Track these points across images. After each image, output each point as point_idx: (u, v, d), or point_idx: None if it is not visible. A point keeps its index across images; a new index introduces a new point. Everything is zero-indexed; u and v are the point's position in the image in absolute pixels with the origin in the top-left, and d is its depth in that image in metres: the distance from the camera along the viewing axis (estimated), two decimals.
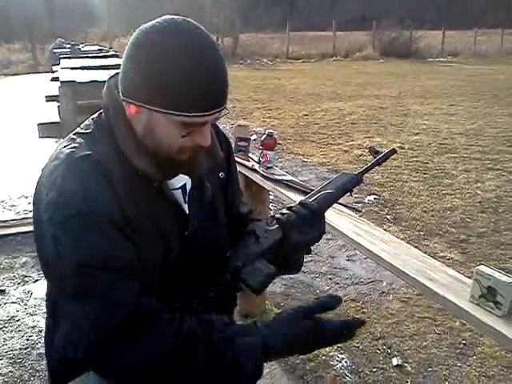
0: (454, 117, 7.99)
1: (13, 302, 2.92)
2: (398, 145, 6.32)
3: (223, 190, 1.06)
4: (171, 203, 0.92)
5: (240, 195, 1.17)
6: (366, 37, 22.52)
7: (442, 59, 20.57)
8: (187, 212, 0.95)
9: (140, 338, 0.79)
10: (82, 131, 0.90)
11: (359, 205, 4.42)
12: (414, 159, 5.80)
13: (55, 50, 9.59)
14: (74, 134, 0.90)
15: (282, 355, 0.91)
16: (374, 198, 4.62)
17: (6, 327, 2.69)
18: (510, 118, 8.04)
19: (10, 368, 2.37)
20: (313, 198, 1.04)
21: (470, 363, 2.41)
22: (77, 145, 0.86)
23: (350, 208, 1.85)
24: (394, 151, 1.19)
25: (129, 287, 0.81)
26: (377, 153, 1.18)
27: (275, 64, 18.54)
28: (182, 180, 0.95)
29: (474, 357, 2.45)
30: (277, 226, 0.98)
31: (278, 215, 0.99)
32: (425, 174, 5.32)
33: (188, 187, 0.96)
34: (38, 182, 0.86)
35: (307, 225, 0.98)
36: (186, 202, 0.95)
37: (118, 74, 0.89)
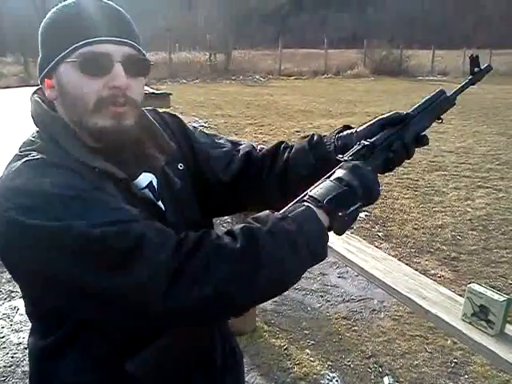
0: (444, 135, 8.07)
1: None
2: None
3: (188, 179, 1.00)
4: (145, 202, 0.87)
5: (228, 151, 1.07)
6: (356, 55, 22.81)
7: (431, 78, 20.86)
8: (163, 209, 0.91)
9: (206, 258, 0.70)
10: (28, 147, 0.83)
11: None
12: (405, 176, 5.83)
13: None
14: (19, 152, 0.82)
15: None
16: (365, 215, 4.62)
17: None
18: (499, 137, 8.14)
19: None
20: (397, 127, 0.96)
21: (461, 382, 2.39)
22: (29, 154, 0.79)
23: None
24: (490, 68, 1.10)
25: (162, 226, 0.75)
26: (476, 65, 1.06)
27: (268, 80, 18.68)
28: (146, 179, 0.91)
29: (466, 376, 2.44)
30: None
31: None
32: (415, 191, 5.34)
33: (155, 184, 0.92)
34: None
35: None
36: (157, 200, 0.91)
37: (39, 89, 0.90)
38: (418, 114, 0.97)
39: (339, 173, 0.84)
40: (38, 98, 0.88)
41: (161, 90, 11.05)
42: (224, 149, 1.06)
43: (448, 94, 1.03)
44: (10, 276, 3.42)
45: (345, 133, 0.99)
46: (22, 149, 0.83)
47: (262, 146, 1.09)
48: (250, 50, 22.50)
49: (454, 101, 1.03)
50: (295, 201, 0.83)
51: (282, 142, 1.06)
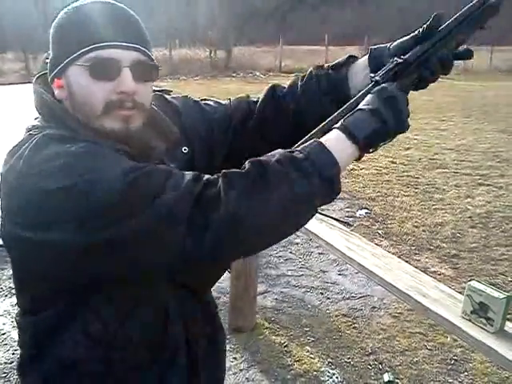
0: (445, 132, 8.07)
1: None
2: (390, 159, 6.36)
3: (195, 161, 0.99)
4: None
5: (222, 106, 1.08)
6: (357, 51, 22.78)
7: None
8: None
9: (219, 186, 0.72)
10: (39, 124, 0.85)
11: (350, 219, 4.43)
12: (405, 174, 5.83)
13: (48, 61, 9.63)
14: (32, 131, 0.83)
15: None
16: (366, 213, 4.63)
17: None
18: (499, 134, 8.13)
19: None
20: (434, 40, 0.87)
21: (461, 379, 2.40)
22: (46, 131, 0.81)
23: (341, 222, 1.85)
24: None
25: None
26: None
27: (268, 77, 18.66)
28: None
29: (466, 373, 2.44)
30: None
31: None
32: (416, 188, 5.34)
33: None
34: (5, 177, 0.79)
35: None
36: None
37: (43, 74, 0.90)
38: (458, 25, 0.87)
39: (374, 102, 0.80)
40: (42, 89, 0.88)
41: (161, 87, 11.02)
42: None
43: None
44: (10, 273, 3.44)
45: (377, 47, 0.95)
46: (31, 130, 0.83)
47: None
48: (250, 46, 22.46)
49: (498, 5, 0.87)
50: (328, 127, 0.81)
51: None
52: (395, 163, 6.21)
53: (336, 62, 1.00)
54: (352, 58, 0.99)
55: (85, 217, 0.71)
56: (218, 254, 0.74)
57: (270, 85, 1.06)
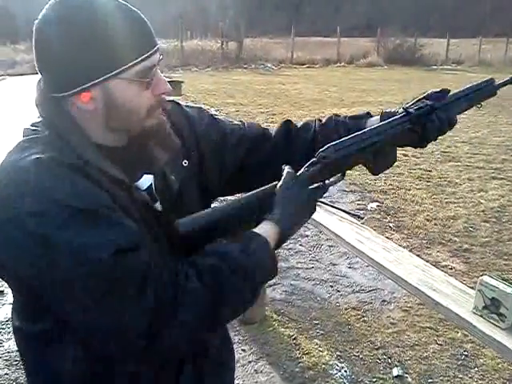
0: (458, 125, 7.81)
1: (11, 303, 2.90)
2: (401, 152, 6.29)
3: (194, 176, 1.00)
4: (143, 204, 0.87)
5: (237, 127, 1.11)
6: (370, 43, 22.52)
7: (446, 67, 20.54)
8: (160, 210, 0.92)
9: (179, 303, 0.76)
10: (33, 136, 0.81)
11: (361, 212, 4.40)
12: (417, 167, 5.78)
13: None
14: (25, 142, 0.80)
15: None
16: (377, 206, 4.59)
17: (3, 328, 2.67)
18: None
19: (6, 370, 2.35)
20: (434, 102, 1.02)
21: (471, 375, 2.38)
22: (37, 150, 0.77)
23: (351, 215, 1.83)
24: None
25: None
26: None
27: (279, 69, 18.56)
28: (148, 181, 0.91)
29: (476, 369, 2.42)
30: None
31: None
32: (428, 181, 5.29)
33: (154, 186, 0.92)
34: None
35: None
36: (155, 201, 0.92)
37: None
38: (458, 98, 1.07)
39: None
40: (52, 102, 0.83)
41: (172, 78, 11.03)
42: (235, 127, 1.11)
43: (495, 84, 1.10)
44: None
45: (388, 111, 1.07)
46: (26, 139, 0.81)
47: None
48: (262, 37, 22.33)
49: (495, 90, 1.12)
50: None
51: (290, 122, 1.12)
52: (407, 156, 6.15)
53: (354, 114, 1.11)
54: (369, 115, 1.11)
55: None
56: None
57: (283, 120, 1.13)
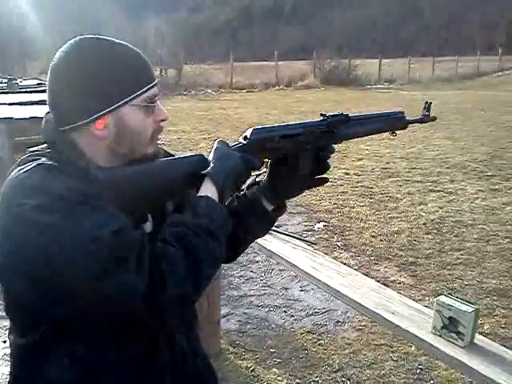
0: (395, 141, 8.28)
1: None
2: (343, 171, 6.44)
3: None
4: None
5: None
6: (307, 66, 23.25)
7: (379, 86, 21.52)
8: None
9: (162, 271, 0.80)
10: (39, 153, 0.88)
11: (309, 233, 4.43)
12: (360, 184, 5.92)
13: None
14: (30, 155, 0.88)
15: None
16: (324, 225, 4.63)
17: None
18: (446, 141, 8.45)
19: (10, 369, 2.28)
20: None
21: None
22: (41, 158, 0.85)
23: (305, 241, 1.81)
24: (434, 118, 1.24)
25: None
26: (427, 109, 1.22)
27: (220, 94, 18.68)
28: (149, 226, 0.97)
29: (432, 381, 2.45)
30: None
31: None
32: (371, 198, 5.42)
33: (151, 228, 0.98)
34: None
35: None
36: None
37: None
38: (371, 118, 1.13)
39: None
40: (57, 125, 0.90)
41: None
42: None
43: (405, 118, 1.18)
44: None
45: None
46: (32, 154, 0.88)
47: None
48: (200, 64, 22.47)
49: (406, 124, 1.20)
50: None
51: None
52: (349, 174, 6.30)
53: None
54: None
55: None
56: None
57: None
